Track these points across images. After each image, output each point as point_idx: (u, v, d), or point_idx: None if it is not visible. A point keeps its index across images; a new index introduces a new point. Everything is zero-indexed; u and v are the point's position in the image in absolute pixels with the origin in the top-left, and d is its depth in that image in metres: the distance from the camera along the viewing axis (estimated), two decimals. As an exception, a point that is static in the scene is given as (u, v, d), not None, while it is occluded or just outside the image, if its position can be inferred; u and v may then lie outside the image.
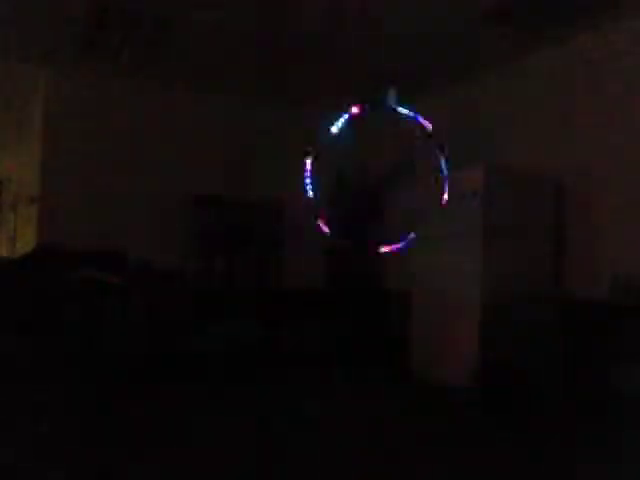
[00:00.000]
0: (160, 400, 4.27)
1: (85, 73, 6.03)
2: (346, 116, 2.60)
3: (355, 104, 2.66)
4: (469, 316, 4.60)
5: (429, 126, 2.69)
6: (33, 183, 6.40)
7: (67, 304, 4.88)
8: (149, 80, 6.23)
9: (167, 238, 6.17)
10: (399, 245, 2.66)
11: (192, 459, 3.02)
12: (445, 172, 2.74)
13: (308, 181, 2.63)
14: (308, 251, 6.45)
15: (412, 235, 2.68)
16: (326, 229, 2.58)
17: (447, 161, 2.75)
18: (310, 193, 2.59)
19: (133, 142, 6.29)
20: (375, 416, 4.01)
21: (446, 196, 2.73)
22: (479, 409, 4.19)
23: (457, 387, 4.51)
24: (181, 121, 6.50)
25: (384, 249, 2.65)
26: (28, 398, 4.09)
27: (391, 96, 2.75)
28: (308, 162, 2.61)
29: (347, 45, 5.29)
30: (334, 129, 2.59)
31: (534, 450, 3.31)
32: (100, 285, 5.05)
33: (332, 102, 6.74)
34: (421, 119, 2.67)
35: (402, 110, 2.71)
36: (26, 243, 6.31)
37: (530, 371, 4.33)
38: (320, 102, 6.76)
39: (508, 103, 5.53)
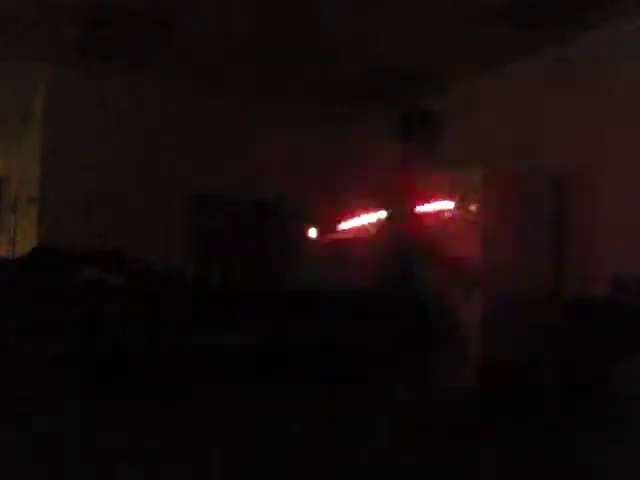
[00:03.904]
0: (160, 400, 4.26)
1: (85, 73, 6.02)
2: None
3: None
4: (469, 316, 4.59)
5: None
6: (33, 183, 6.40)
7: (67, 304, 4.87)
8: (149, 80, 6.22)
9: (167, 238, 6.16)
10: None
11: (192, 459, 3.02)
12: None
13: None
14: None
15: None
16: None
17: None
18: None
19: (133, 142, 6.29)
20: (374, 416, 4.01)
21: None
22: (479, 409, 4.18)
23: (457, 387, 4.51)
24: (181, 121, 6.49)
25: None
26: (28, 398, 4.09)
27: None
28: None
29: (346, 45, 5.29)
30: None
31: (534, 450, 3.30)
32: (100, 285, 5.04)
33: (332, 103, 6.79)
34: None
35: None
36: (26, 243, 6.31)
37: (530, 371, 4.32)
38: (320, 103, 6.78)
39: (508, 103, 5.52)
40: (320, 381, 5.09)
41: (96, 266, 5.15)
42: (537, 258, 4.79)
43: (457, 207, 4.07)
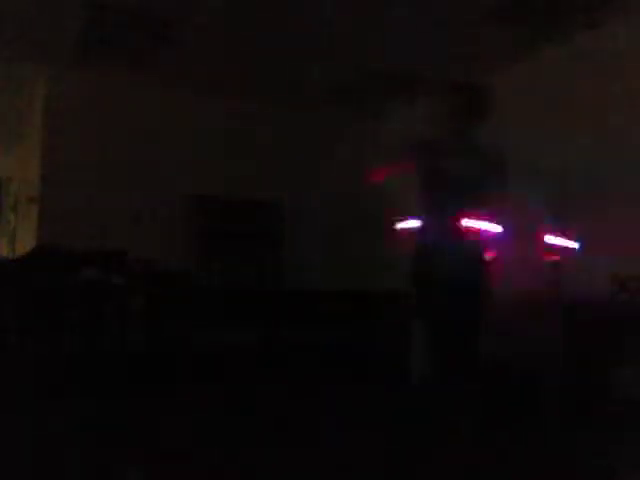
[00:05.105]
0: (160, 400, 4.27)
1: (85, 73, 6.03)
2: None
3: None
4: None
5: None
6: (33, 183, 6.40)
7: (67, 304, 4.88)
8: (149, 80, 6.22)
9: (167, 238, 6.17)
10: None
11: (192, 459, 3.02)
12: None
13: None
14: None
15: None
16: None
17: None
18: None
19: (133, 142, 6.29)
20: (374, 416, 4.01)
21: None
22: (478, 409, 4.18)
23: (456, 387, 4.50)
24: (181, 121, 6.49)
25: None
26: (29, 399, 4.09)
27: None
28: None
29: (346, 46, 5.29)
30: None
31: (534, 450, 3.31)
32: (100, 285, 5.04)
33: (332, 103, 6.79)
34: None
35: None
36: (26, 243, 6.31)
37: (530, 371, 4.32)
38: (320, 103, 6.79)
39: (508, 103, 5.52)
40: (320, 381, 5.09)
41: (96, 266, 5.15)
42: (536, 258, 4.79)
43: None
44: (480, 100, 3.22)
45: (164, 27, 5.03)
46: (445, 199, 2.92)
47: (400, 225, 3.08)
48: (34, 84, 6.28)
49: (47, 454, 3.00)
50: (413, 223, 3.07)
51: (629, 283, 4.16)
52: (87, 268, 5.11)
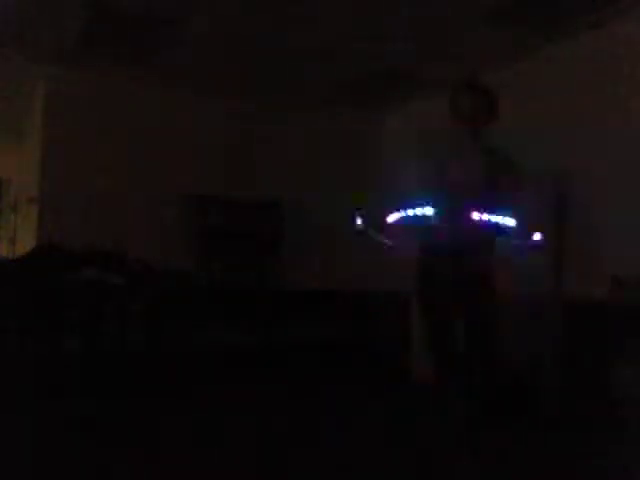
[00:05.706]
0: (160, 400, 4.26)
1: (85, 73, 6.03)
2: None
3: None
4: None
5: None
6: (33, 183, 6.40)
7: (67, 304, 4.88)
8: (149, 80, 6.22)
9: (167, 238, 6.16)
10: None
11: (192, 459, 3.02)
12: None
13: None
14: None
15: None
16: None
17: None
18: None
19: (133, 142, 6.29)
20: (373, 416, 4.01)
21: None
22: (478, 409, 4.18)
23: (457, 387, 4.50)
24: (181, 121, 6.49)
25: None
26: (28, 397, 4.09)
27: None
28: None
29: (346, 46, 5.29)
30: None
31: (533, 451, 3.30)
32: (100, 285, 5.05)
33: (332, 103, 6.79)
34: None
35: None
36: (26, 243, 6.31)
37: (529, 371, 4.32)
38: (320, 103, 6.78)
39: (507, 103, 5.51)
40: (319, 381, 5.09)
41: (96, 266, 5.16)
42: (537, 258, 4.78)
43: None
44: (494, 99, 3.28)
45: (164, 27, 5.03)
46: (459, 200, 2.88)
47: (390, 218, 2.87)
48: (34, 84, 6.28)
49: (47, 454, 3.00)
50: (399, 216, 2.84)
51: (629, 283, 4.15)
52: (87, 268, 5.12)
